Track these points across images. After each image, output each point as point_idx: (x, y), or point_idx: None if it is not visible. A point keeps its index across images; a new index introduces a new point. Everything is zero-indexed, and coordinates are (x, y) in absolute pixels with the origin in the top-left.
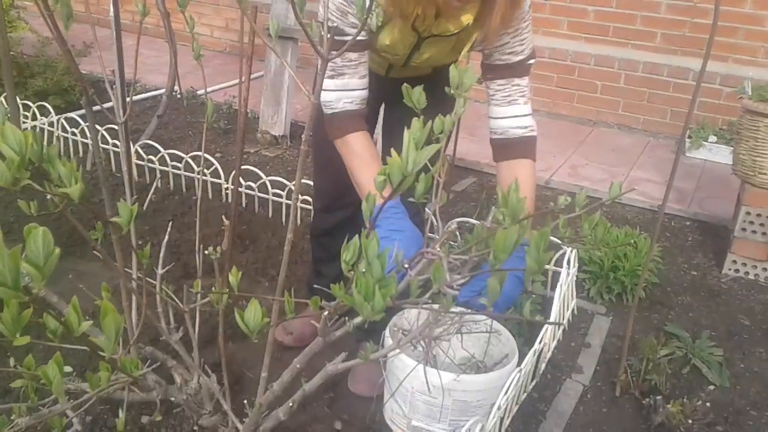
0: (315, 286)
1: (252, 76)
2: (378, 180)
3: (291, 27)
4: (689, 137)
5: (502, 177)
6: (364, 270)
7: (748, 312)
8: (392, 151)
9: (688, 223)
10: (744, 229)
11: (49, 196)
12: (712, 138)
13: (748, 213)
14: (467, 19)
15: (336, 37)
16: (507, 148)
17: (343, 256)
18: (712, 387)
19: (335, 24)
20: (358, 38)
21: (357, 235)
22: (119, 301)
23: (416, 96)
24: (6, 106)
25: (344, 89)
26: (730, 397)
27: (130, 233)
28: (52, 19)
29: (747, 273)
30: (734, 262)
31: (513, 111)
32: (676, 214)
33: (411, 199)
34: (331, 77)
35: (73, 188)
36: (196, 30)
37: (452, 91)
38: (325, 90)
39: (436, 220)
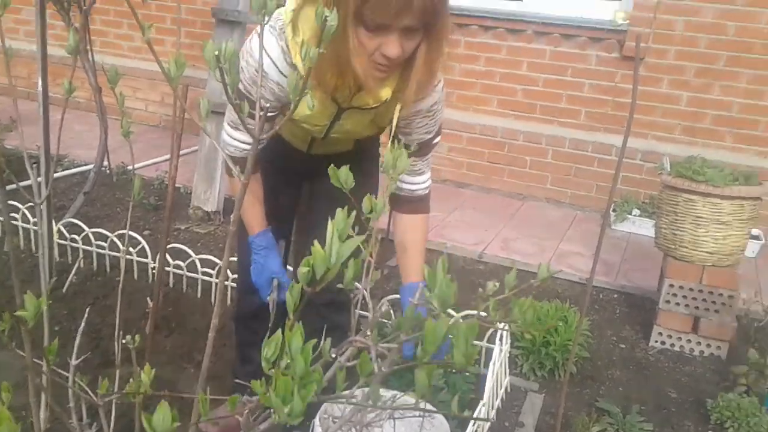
0: (236, 380)
1: (186, 151)
2: (301, 272)
3: (225, 102)
4: (614, 210)
5: (403, 225)
6: (284, 368)
7: (675, 384)
8: (316, 242)
9: (615, 295)
10: (668, 302)
11: None
12: (636, 211)
13: (671, 285)
14: (386, 93)
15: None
16: (411, 203)
17: (263, 352)
18: None
19: (247, 90)
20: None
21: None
22: (28, 395)
23: (343, 176)
24: None
25: (242, 142)
26: None
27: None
28: None
29: (672, 345)
30: (660, 334)
31: (420, 179)
32: (604, 286)
33: (339, 285)
34: (235, 129)
35: None
36: (130, 104)
37: (387, 173)
38: (227, 137)
39: (367, 300)
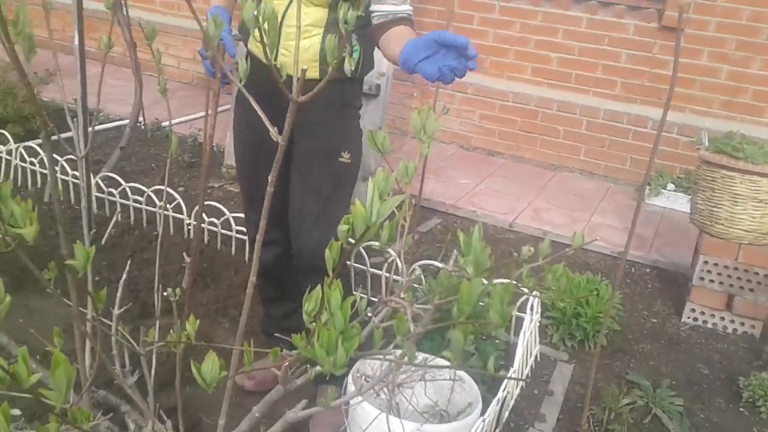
0: (276, 334)
1: (219, 110)
2: (342, 230)
3: None
4: (648, 184)
5: (384, 39)
6: (326, 321)
7: (706, 361)
8: (356, 200)
9: (648, 270)
10: (702, 278)
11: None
12: (671, 186)
13: (705, 262)
14: None
15: None
16: (394, 22)
17: (305, 306)
18: None
19: None
20: None
21: (320, 285)
22: (73, 341)
23: (380, 139)
24: None
25: None
26: None
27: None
28: (13, 50)
29: (705, 322)
30: (693, 310)
31: (402, 8)
32: (637, 260)
33: (375, 246)
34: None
35: (27, 229)
36: (163, 61)
37: (416, 136)
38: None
39: (401, 264)
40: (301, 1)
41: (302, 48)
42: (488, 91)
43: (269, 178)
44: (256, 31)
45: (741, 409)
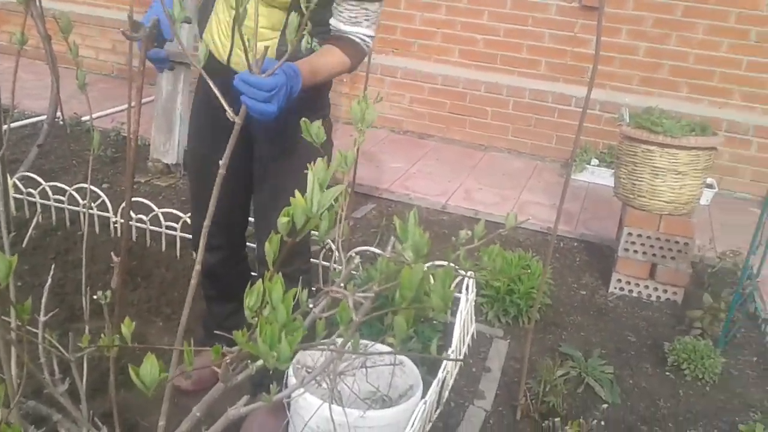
0: (216, 331)
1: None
2: (281, 222)
3: (182, 52)
4: (573, 160)
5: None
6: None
7: (633, 329)
8: (296, 192)
9: (575, 243)
10: (626, 249)
11: None
12: (594, 161)
13: (629, 234)
14: None
15: None
16: (339, 40)
17: (246, 301)
18: (605, 405)
19: None
20: None
21: (260, 279)
22: None
23: (315, 129)
24: None
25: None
26: (621, 413)
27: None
28: None
29: (631, 291)
30: (619, 280)
31: (355, 30)
32: (565, 235)
33: (314, 236)
34: (372, 25)
35: None
36: (80, 52)
37: (356, 126)
38: (371, 37)
39: (339, 253)
40: (259, 2)
41: (259, 51)
42: (417, 74)
43: (221, 162)
44: (213, 25)
45: (667, 373)
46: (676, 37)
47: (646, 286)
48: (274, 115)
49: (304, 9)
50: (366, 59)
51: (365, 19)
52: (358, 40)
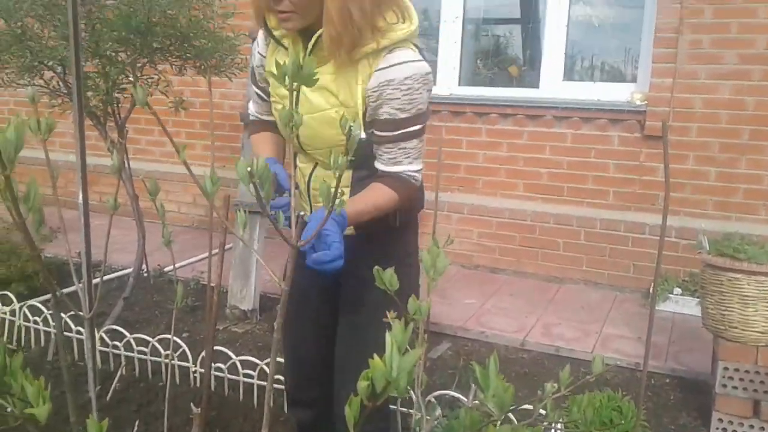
0: None
1: (225, 248)
2: (361, 386)
3: (256, 203)
4: (655, 290)
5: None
6: None
7: None
8: (375, 355)
9: (667, 380)
10: (724, 385)
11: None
12: (677, 290)
13: (726, 368)
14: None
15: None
16: (381, 177)
17: None
18: None
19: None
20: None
21: None
22: None
23: (387, 277)
24: None
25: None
26: None
27: None
28: (23, 225)
29: (735, 431)
30: (720, 420)
31: (396, 169)
32: (655, 371)
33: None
34: (414, 160)
35: (39, 409)
36: (164, 207)
37: (428, 274)
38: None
39: (418, 399)
40: (319, 165)
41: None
42: (484, 209)
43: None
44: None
45: None
46: (746, 161)
47: (751, 426)
48: (342, 262)
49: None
50: (433, 196)
51: (405, 157)
52: (404, 176)
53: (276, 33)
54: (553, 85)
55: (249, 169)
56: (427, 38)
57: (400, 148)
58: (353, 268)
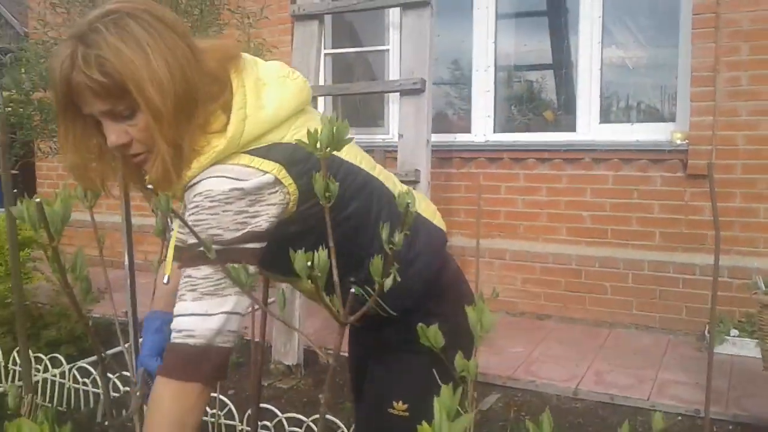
0: None
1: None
2: None
3: None
4: (709, 333)
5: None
6: None
7: None
8: (423, 423)
9: (730, 426)
10: None
11: None
12: (734, 332)
13: None
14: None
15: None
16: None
17: None
18: None
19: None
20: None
21: None
22: None
23: (432, 334)
24: (18, 361)
25: (232, 311)
26: None
27: None
28: (71, 294)
29: None
30: None
31: (177, 308)
32: (716, 417)
33: None
34: (202, 297)
35: None
36: None
37: (474, 332)
38: (194, 315)
39: None
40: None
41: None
42: (526, 255)
43: None
44: None
45: None
46: None
47: None
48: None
49: None
50: (472, 243)
51: (188, 290)
52: (175, 338)
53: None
54: (590, 127)
55: (308, 263)
56: (459, 87)
57: (184, 275)
58: (375, 352)
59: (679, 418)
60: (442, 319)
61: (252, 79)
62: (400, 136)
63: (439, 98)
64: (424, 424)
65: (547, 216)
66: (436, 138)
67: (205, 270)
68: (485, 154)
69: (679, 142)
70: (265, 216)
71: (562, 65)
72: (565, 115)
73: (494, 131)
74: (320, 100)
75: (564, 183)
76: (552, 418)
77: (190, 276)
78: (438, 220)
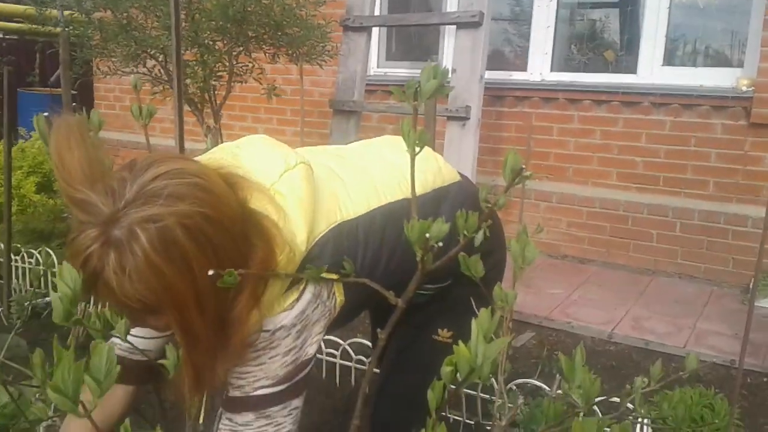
0: None
1: None
2: (446, 371)
3: None
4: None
5: None
6: None
7: None
8: (460, 342)
9: (765, 379)
10: None
11: None
12: None
13: None
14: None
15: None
16: None
17: None
18: None
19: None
20: None
21: None
22: None
23: (473, 263)
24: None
25: None
26: None
27: None
28: None
29: None
30: None
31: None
32: (752, 368)
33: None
34: None
35: None
36: None
37: (515, 263)
38: None
39: (500, 386)
40: None
41: None
42: (573, 198)
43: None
44: None
45: None
46: None
47: None
48: None
49: None
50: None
51: None
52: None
53: None
54: (652, 70)
55: None
56: (518, 24)
57: (225, 418)
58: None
59: (714, 365)
60: (484, 255)
61: (265, 201)
62: (453, 70)
63: (496, 34)
64: (461, 344)
65: (598, 160)
66: (489, 75)
67: (246, 416)
68: (540, 94)
69: (744, 89)
70: (316, 337)
71: (629, 3)
72: (626, 56)
73: (551, 70)
74: (374, 31)
75: (619, 126)
76: (585, 358)
77: (230, 420)
78: (448, 171)
